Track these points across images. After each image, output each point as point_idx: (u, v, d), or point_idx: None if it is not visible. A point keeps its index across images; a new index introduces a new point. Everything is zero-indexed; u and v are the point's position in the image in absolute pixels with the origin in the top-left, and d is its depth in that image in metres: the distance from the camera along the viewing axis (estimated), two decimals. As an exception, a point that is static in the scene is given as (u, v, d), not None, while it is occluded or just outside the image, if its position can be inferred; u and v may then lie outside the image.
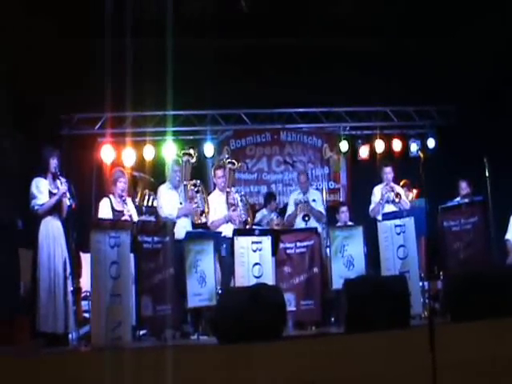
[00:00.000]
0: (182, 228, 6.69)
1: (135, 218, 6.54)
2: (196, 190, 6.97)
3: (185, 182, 6.93)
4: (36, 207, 5.95)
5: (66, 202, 6.04)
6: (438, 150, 9.53)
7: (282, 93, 9.20)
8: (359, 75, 9.09)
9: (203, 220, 6.97)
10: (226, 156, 8.95)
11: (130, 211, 6.51)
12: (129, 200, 6.63)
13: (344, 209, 8.17)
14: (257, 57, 9.23)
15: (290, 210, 7.99)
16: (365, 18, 8.79)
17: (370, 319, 5.39)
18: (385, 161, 8.37)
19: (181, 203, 6.91)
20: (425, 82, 8.90)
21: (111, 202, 6.46)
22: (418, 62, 9.02)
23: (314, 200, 7.92)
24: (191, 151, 8.53)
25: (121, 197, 6.47)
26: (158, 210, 6.91)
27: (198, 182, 7.04)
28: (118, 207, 6.45)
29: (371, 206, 7.66)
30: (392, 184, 7.64)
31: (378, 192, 7.64)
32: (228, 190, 7.17)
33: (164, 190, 6.98)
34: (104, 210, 6.42)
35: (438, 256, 7.13)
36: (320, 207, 7.92)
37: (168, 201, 6.87)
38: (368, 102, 9.50)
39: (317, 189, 9.04)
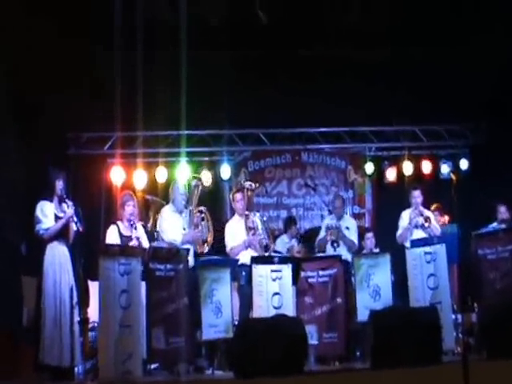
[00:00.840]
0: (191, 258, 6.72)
1: (145, 244, 6.59)
2: (201, 217, 7.00)
3: (190, 208, 6.96)
4: (41, 232, 6.01)
5: (73, 226, 6.11)
6: (472, 172, 9.48)
7: (302, 111, 9.26)
8: (385, 92, 9.12)
9: (205, 249, 7.00)
10: (244, 178, 9.02)
11: (140, 236, 6.55)
12: (139, 225, 6.68)
13: (369, 235, 8.18)
14: (276, 73, 9.31)
15: (322, 234, 8.02)
16: (391, 31, 8.86)
17: (397, 354, 5.36)
18: (413, 184, 8.38)
19: (184, 229, 6.94)
20: (456, 98, 8.90)
21: (119, 228, 6.52)
22: (448, 78, 9.03)
23: (347, 227, 7.93)
24: (203, 175, 8.61)
25: (129, 221, 6.53)
26: (160, 233, 6.92)
27: (204, 208, 7.08)
28: (126, 232, 6.51)
29: (399, 232, 7.66)
30: (421, 208, 7.64)
31: (406, 217, 7.65)
32: (247, 213, 7.21)
33: (167, 212, 6.99)
34: (111, 238, 6.47)
35: (472, 286, 7.08)
36: (353, 236, 7.93)
37: (172, 225, 6.89)
38: (395, 121, 9.53)
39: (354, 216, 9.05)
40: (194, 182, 7.06)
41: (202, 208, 7.06)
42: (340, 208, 8.14)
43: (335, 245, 7.74)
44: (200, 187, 7.05)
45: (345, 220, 8.10)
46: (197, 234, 6.91)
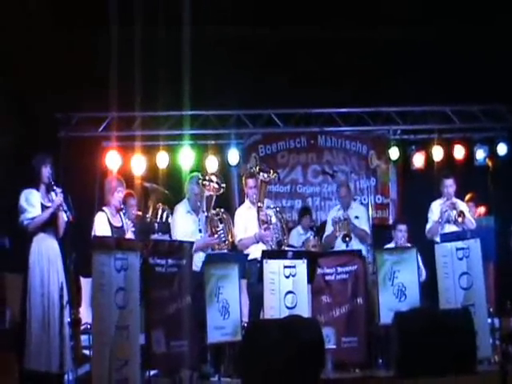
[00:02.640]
0: (199, 262, 6.71)
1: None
2: (219, 218, 7.00)
3: (206, 214, 6.96)
4: (25, 222, 5.96)
5: (63, 216, 6.07)
6: (511, 158, 9.40)
7: (320, 90, 9.20)
8: (412, 68, 9.07)
9: (224, 249, 7.03)
10: (256, 163, 9.00)
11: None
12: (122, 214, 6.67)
13: (402, 227, 7.99)
14: (290, 47, 9.28)
15: (329, 229, 7.98)
16: (415, 2, 8.79)
17: (425, 362, 5.36)
18: (445, 171, 8.30)
19: (200, 230, 6.95)
20: (493, 74, 8.82)
21: (108, 216, 6.50)
22: (483, 51, 8.96)
23: (356, 217, 7.89)
24: (208, 161, 8.55)
25: (120, 209, 6.53)
26: (173, 238, 6.97)
27: (221, 210, 7.09)
28: (115, 222, 6.51)
29: (428, 226, 7.60)
30: (454, 200, 7.57)
31: (436, 209, 7.58)
32: (260, 204, 7.16)
33: (181, 212, 7.03)
34: (101, 227, 6.43)
35: (511, 287, 7.03)
36: (364, 225, 7.89)
37: (185, 228, 6.93)
38: (423, 101, 9.45)
39: (361, 203, 9.01)
40: (207, 193, 7.00)
41: (218, 210, 7.06)
42: (346, 197, 8.08)
43: (347, 239, 7.69)
44: (214, 196, 7.02)
45: (353, 209, 8.04)
46: (212, 241, 6.97)
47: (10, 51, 7.79)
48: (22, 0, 7.76)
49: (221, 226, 7.03)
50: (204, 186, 6.98)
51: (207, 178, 7.08)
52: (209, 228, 6.96)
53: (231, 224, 7.14)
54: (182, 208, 7.08)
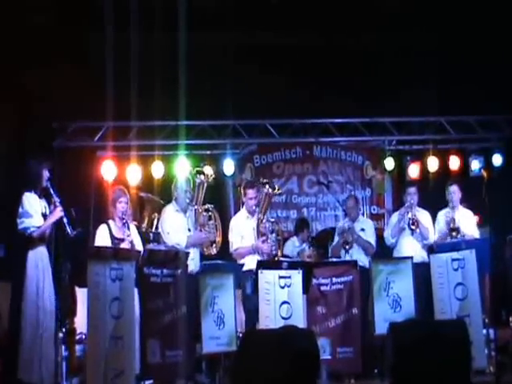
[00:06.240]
0: (190, 260, 6.71)
1: (139, 247, 6.58)
2: (208, 215, 7.00)
3: (196, 207, 6.96)
4: (31, 229, 5.93)
5: (66, 227, 6.01)
6: (506, 168, 9.43)
7: (315, 100, 9.24)
8: (408, 78, 9.10)
9: (213, 251, 7.00)
10: (250, 174, 9.00)
11: (132, 237, 6.55)
12: (132, 225, 6.68)
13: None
14: (286, 57, 9.29)
15: (336, 239, 8.03)
16: (411, 10, 8.83)
17: (420, 373, 5.33)
18: (450, 181, 8.26)
19: (189, 229, 6.95)
20: (488, 85, 8.86)
21: (110, 228, 6.52)
22: (479, 63, 8.99)
23: (362, 229, 7.93)
24: (207, 170, 8.58)
25: (122, 220, 6.53)
26: (163, 235, 6.95)
27: (211, 206, 7.08)
28: (118, 234, 6.52)
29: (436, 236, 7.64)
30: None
31: (442, 219, 7.62)
32: (261, 216, 7.16)
33: (170, 212, 7.01)
34: (101, 240, 6.46)
35: (506, 297, 7.05)
36: (370, 238, 7.92)
37: (175, 226, 6.91)
38: (419, 111, 9.50)
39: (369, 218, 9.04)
40: (198, 179, 7.03)
41: (208, 206, 7.06)
42: (353, 208, 8.12)
43: (346, 246, 7.71)
44: (205, 184, 7.03)
45: (360, 221, 8.09)
46: (202, 236, 6.92)
47: (10, 51, 7.80)
48: (22, 0, 7.77)
49: (210, 223, 7.02)
50: (197, 172, 7.00)
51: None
52: (198, 224, 6.93)
53: (220, 224, 7.11)
54: (169, 208, 7.05)
